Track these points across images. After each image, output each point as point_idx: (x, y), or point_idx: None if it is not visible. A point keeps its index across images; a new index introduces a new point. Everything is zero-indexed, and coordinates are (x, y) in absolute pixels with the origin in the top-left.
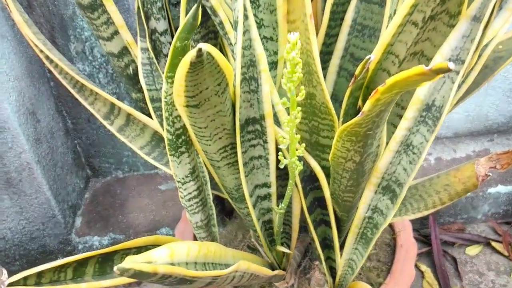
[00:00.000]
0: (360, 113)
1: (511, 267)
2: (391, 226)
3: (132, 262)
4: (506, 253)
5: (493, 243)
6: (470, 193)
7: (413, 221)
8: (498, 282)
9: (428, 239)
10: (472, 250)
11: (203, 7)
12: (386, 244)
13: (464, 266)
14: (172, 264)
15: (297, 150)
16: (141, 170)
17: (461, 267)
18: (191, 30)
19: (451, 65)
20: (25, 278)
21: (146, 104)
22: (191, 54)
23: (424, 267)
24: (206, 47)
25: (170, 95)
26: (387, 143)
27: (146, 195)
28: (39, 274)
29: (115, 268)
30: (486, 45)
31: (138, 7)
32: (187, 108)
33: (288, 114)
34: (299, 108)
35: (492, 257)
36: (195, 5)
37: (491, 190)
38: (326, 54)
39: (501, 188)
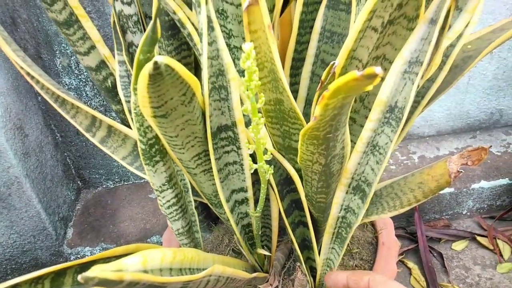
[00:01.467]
0: (313, 117)
1: (496, 260)
2: (373, 225)
3: (97, 271)
4: (491, 247)
5: (479, 238)
6: (454, 190)
7: (399, 219)
8: (484, 275)
9: (415, 236)
10: (458, 246)
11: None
12: (368, 242)
13: (451, 262)
14: (145, 271)
15: (265, 154)
16: (131, 179)
17: (447, 263)
18: (152, 43)
19: (378, 70)
20: None
21: (126, 115)
22: (148, 67)
23: (411, 264)
24: (163, 59)
25: (138, 106)
26: (355, 144)
27: (137, 204)
28: (15, 287)
29: (79, 277)
30: (453, 46)
31: (114, 22)
32: (155, 119)
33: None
34: (260, 114)
35: (478, 251)
36: (152, 21)
37: (475, 185)
38: (298, 61)
39: (484, 184)
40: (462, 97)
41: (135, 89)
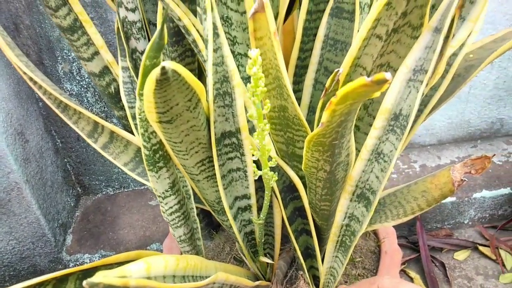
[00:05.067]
0: (320, 124)
1: (499, 270)
2: (375, 234)
3: (102, 277)
4: (493, 257)
5: (481, 248)
6: (456, 199)
7: (401, 229)
8: (487, 286)
9: (417, 246)
10: (460, 255)
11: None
12: (371, 251)
13: (453, 271)
14: (149, 278)
15: (270, 161)
16: (131, 186)
17: (450, 272)
18: (159, 49)
19: (388, 76)
20: None
21: (128, 121)
22: (156, 72)
23: (413, 274)
24: (171, 65)
25: (143, 111)
26: (359, 151)
27: (137, 211)
28: None
29: (84, 283)
30: (455, 55)
31: (118, 28)
32: (160, 124)
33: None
34: (266, 120)
35: (480, 261)
36: (159, 27)
37: (476, 195)
38: (301, 68)
39: (486, 193)
40: (463, 106)
41: (140, 95)
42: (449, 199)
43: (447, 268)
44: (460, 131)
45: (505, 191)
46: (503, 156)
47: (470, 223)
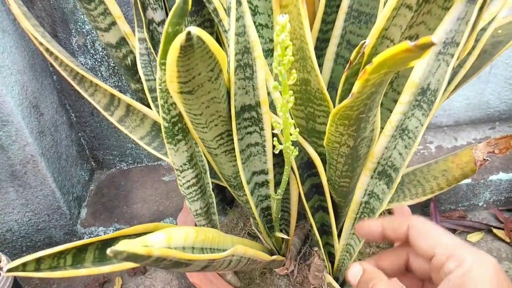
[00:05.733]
0: (350, 94)
1: None
2: (390, 213)
3: (126, 245)
4: (508, 240)
5: (495, 230)
6: (471, 181)
7: (415, 210)
8: None
9: None
10: (474, 237)
11: None
12: None
13: None
14: (169, 248)
15: (291, 135)
16: (144, 162)
17: None
18: (182, 14)
19: (435, 39)
20: (24, 264)
21: (145, 94)
22: (181, 38)
23: None
24: (196, 30)
25: (164, 82)
26: (382, 128)
27: (150, 186)
28: (38, 260)
29: (108, 251)
30: (483, 30)
31: None
32: (181, 95)
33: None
34: (291, 92)
35: (493, 243)
36: None
37: (493, 177)
38: (323, 42)
39: (503, 176)
40: (483, 87)
41: (161, 64)
42: (464, 181)
43: None
44: (478, 112)
45: None
46: None
47: (484, 205)
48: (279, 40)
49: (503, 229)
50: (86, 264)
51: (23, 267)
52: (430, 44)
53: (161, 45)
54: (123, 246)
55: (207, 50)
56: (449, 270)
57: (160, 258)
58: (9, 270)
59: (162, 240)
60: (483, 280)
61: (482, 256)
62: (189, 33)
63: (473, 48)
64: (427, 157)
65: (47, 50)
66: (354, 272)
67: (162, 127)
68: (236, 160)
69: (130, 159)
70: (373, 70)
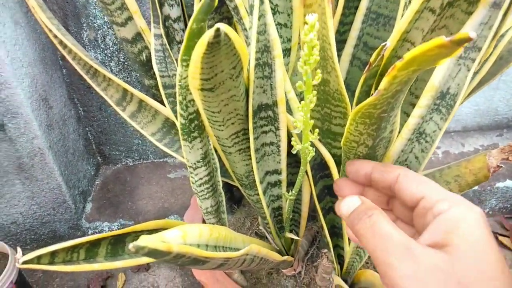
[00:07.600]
0: (376, 91)
1: None
2: None
3: (148, 241)
4: None
5: (500, 238)
6: (478, 187)
7: None
8: None
9: None
10: None
11: None
12: None
13: None
14: (185, 245)
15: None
16: (150, 158)
17: None
18: (208, 11)
19: (473, 34)
20: (39, 257)
21: (158, 90)
22: (209, 34)
23: None
24: (224, 27)
25: (184, 78)
26: (399, 132)
27: (155, 183)
28: (53, 254)
29: (130, 245)
30: (502, 36)
31: None
32: (201, 92)
33: (301, 99)
34: (315, 92)
35: None
36: None
37: (499, 184)
38: (339, 43)
39: (510, 183)
40: (492, 94)
41: (183, 60)
42: None
43: None
44: (487, 119)
45: None
46: None
47: (490, 212)
48: (307, 39)
49: (508, 236)
50: (98, 259)
51: (38, 259)
52: (467, 40)
53: (184, 41)
54: (144, 241)
55: (232, 47)
56: (439, 211)
57: (179, 254)
58: (25, 262)
59: (178, 236)
60: (476, 224)
61: (472, 204)
62: (218, 29)
63: (490, 53)
64: (434, 163)
65: (61, 43)
66: (349, 203)
67: (178, 123)
68: (249, 159)
69: (136, 155)
70: (403, 67)
